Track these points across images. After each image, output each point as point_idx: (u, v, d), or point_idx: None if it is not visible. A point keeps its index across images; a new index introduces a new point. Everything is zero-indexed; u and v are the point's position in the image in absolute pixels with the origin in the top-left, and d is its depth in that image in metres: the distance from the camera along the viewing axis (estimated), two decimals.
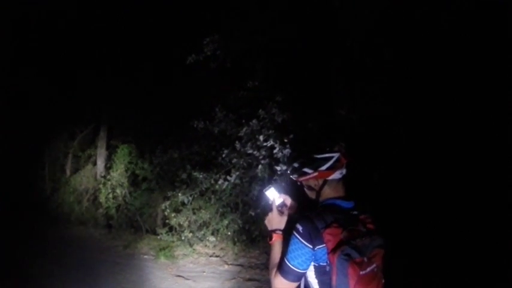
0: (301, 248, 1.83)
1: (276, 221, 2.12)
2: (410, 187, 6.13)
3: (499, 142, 5.86)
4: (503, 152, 5.76)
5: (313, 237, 1.82)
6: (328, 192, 2.01)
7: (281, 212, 2.14)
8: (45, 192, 11.33)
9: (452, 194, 5.96)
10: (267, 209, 2.22)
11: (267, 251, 5.54)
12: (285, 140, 6.52)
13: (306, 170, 2.00)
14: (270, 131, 6.81)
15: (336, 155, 1.96)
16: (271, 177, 6.84)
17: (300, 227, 1.85)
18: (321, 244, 1.81)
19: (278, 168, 6.66)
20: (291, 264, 1.85)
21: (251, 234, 7.62)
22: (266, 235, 2.16)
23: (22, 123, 10.35)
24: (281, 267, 1.90)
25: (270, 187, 2.24)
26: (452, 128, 6.26)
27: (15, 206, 9.91)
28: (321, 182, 2.00)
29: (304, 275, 1.89)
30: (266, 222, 2.17)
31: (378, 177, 6.33)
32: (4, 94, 9.87)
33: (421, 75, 6.37)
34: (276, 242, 2.06)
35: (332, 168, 1.95)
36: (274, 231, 2.10)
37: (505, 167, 5.70)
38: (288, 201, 2.29)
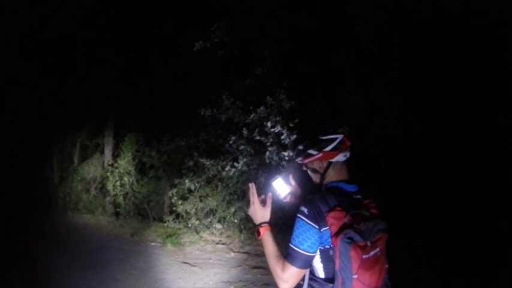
0: (308, 229, 1.79)
1: (260, 215, 2.07)
2: (417, 175, 6.09)
3: (505, 132, 5.80)
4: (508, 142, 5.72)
5: (319, 219, 1.79)
6: (332, 175, 1.99)
7: (263, 204, 2.08)
8: (53, 181, 11.40)
9: (458, 184, 5.93)
10: (277, 200, 2.18)
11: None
12: (290, 125, 6.45)
13: (310, 151, 1.98)
14: (278, 118, 6.75)
15: (340, 137, 1.94)
16: (278, 164, 6.78)
17: (305, 209, 1.82)
18: (326, 226, 1.79)
19: (286, 154, 6.61)
20: (300, 248, 1.80)
21: None
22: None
23: (29, 113, 10.37)
24: (289, 255, 1.84)
25: (277, 177, 2.20)
26: (461, 118, 6.19)
27: (23, 195, 9.99)
28: (325, 164, 1.99)
29: (313, 259, 1.84)
30: (250, 215, 2.10)
31: (384, 163, 6.29)
32: (12, 84, 9.87)
33: (430, 64, 6.28)
34: (265, 235, 2.00)
35: (336, 150, 1.94)
36: (260, 225, 2.04)
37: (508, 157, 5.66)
38: (295, 190, 2.27)
